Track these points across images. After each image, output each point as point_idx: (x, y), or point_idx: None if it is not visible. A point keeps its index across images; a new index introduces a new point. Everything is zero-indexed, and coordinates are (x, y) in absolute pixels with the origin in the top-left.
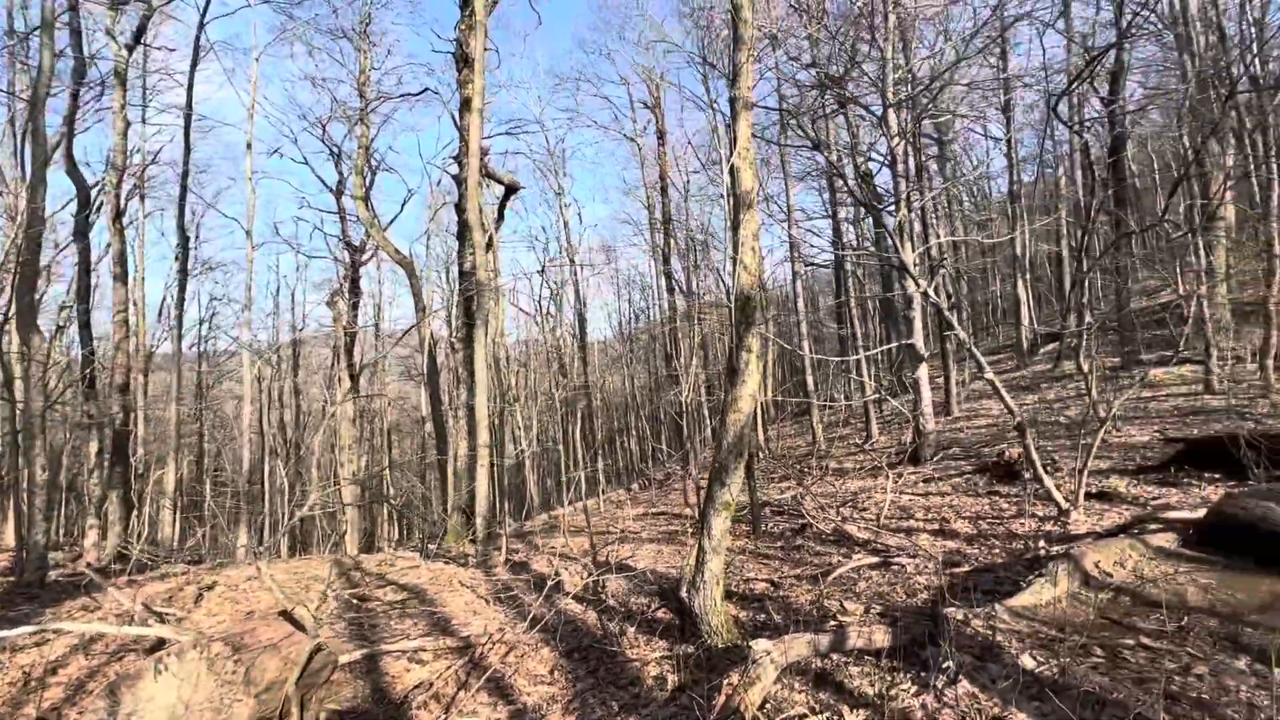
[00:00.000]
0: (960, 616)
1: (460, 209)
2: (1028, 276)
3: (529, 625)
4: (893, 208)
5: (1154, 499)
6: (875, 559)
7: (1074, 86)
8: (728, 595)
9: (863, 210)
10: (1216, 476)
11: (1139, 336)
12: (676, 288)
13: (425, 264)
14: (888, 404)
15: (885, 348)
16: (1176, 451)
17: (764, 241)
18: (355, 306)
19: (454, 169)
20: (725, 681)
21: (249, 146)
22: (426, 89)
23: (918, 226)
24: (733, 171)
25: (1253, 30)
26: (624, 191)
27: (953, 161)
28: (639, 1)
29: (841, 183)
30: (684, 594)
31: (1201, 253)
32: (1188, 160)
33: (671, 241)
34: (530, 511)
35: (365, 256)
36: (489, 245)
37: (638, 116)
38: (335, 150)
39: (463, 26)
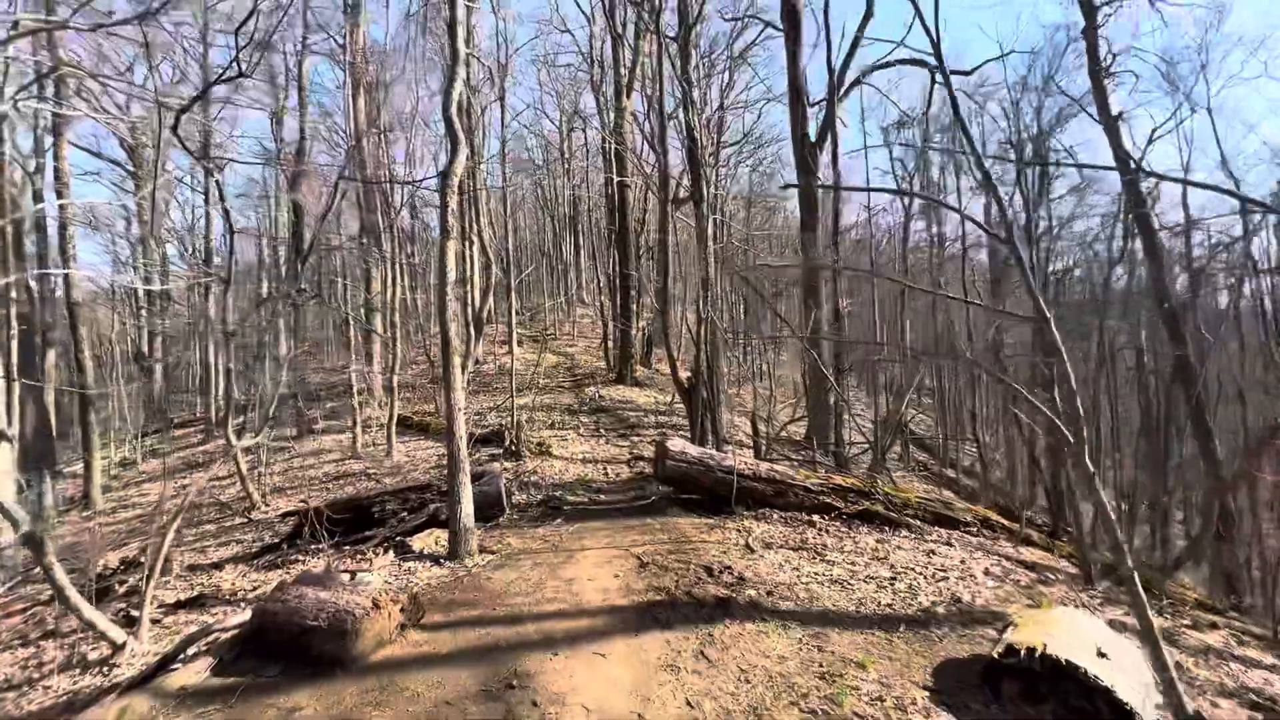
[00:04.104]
0: None
1: None
2: (231, 346)
3: None
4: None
5: (254, 589)
6: None
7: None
8: None
9: None
10: (336, 540)
11: (321, 408)
12: None
13: None
14: None
15: None
16: (295, 524)
17: None
18: None
19: None
20: None
21: None
22: None
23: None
24: None
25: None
26: None
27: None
28: None
29: None
30: None
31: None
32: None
33: None
34: None
35: None
36: None
37: None
38: None
39: None
